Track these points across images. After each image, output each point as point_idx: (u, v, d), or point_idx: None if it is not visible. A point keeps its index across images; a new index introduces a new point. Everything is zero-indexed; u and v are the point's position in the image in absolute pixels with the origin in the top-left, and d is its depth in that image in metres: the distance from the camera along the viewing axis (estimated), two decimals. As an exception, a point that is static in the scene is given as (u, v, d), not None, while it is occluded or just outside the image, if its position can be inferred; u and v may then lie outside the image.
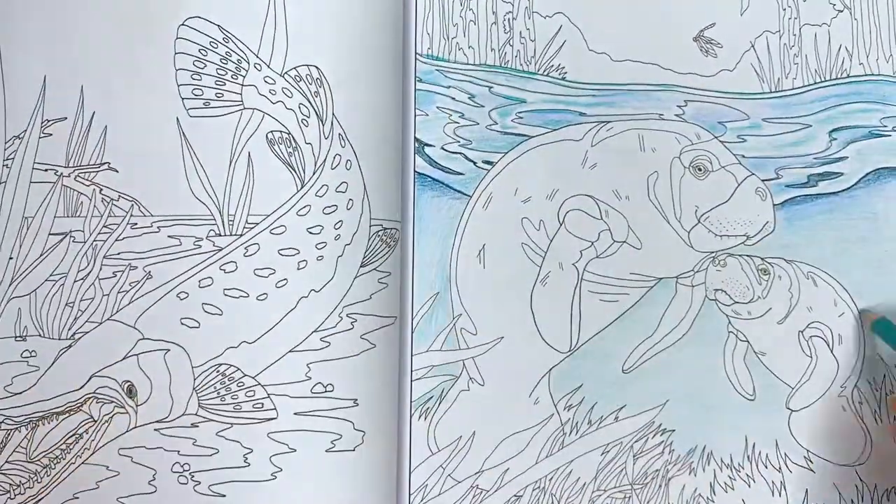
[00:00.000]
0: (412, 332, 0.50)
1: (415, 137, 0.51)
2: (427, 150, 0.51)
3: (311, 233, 0.48)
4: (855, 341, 0.51)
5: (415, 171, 0.51)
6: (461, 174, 0.51)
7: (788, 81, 0.53)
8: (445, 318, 0.50)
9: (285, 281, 0.48)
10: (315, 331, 0.48)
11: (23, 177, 0.49)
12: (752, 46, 0.53)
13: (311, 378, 0.48)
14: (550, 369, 0.50)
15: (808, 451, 0.51)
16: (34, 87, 0.49)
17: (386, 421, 0.49)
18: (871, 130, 0.53)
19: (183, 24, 0.49)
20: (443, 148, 0.51)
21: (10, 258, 0.48)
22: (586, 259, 0.51)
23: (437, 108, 0.51)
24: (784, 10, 0.53)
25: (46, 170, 0.49)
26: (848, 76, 0.53)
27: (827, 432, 0.51)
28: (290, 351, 0.48)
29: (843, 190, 0.52)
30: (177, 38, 0.49)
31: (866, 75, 0.53)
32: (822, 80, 0.53)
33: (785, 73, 0.53)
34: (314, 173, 0.49)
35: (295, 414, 0.48)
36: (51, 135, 0.49)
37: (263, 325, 0.48)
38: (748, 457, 0.51)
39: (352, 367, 0.48)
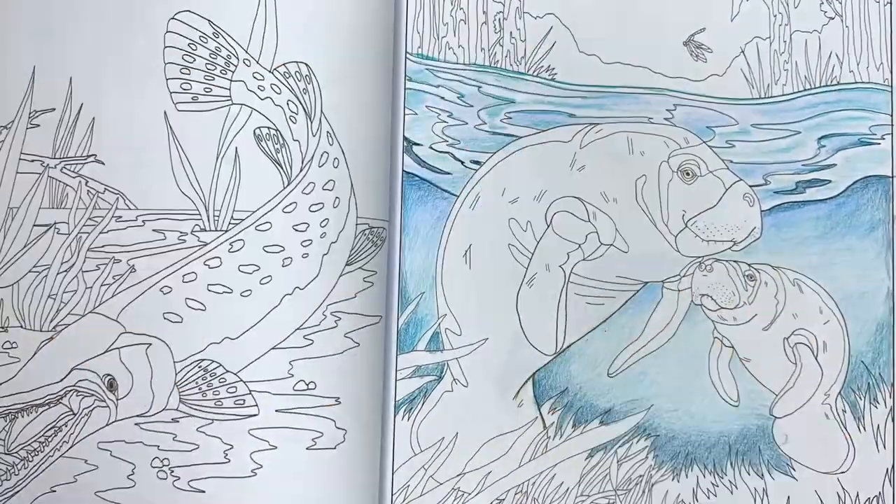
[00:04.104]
0: (397, 332, 0.50)
1: (403, 136, 0.50)
2: (415, 149, 0.51)
3: (296, 230, 0.48)
4: (840, 349, 0.51)
5: (403, 170, 0.50)
6: (449, 174, 0.51)
7: (778, 87, 0.53)
8: (430, 319, 0.50)
9: (270, 278, 0.48)
10: (298, 328, 0.48)
11: (9, 167, 0.49)
12: (742, 52, 0.53)
13: (293, 375, 0.48)
14: (535, 372, 0.50)
15: (790, 458, 0.51)
16: (23, 78, 0.49)
17: (368, 420, 0.49)
18: (860, 138, 0.53)
19: (173, 18, 0.49)
20: (431, 147, 0.51)
21: None
22: (573, 261, 0.51)
23: (427, 107, 0.51)
24: (775, 16, 0.53)
25: (33, 160, 0.49)
26: (838, 83, 0.53)
27: (810, 440, 0.51)
28: (272, 348, 0.48)
29: (832, 197, 0.52)
30: (166, 31, 0.49)
31: (856, 83, 0.53)
32: (812, 86, 0.53)
33: (775, 80, 0.53)
34: (301, 170, 0.49)
35: (276, 411, 0.48)
36: (38, 125, 0.49)
37: (247, 321, 0.48)
38: (731, 463, 0.51)
39: (334, 365, 0.48)
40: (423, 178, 0.51)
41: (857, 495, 0.51)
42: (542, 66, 0.52)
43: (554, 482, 0.50)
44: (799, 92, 0.53)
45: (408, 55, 0.51)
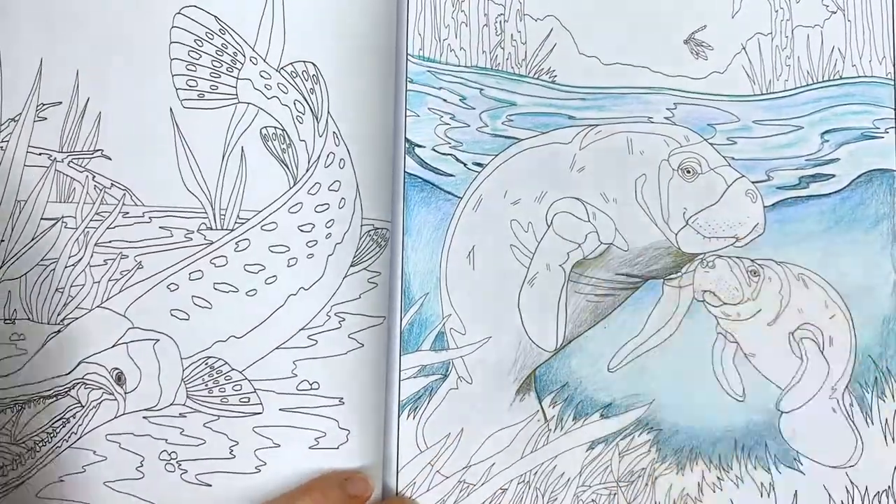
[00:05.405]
0: (401, 332, 0.50)
1: (405, 138, 0.51)
2: (418, 150, 0.51)
3: (302, 230, 0.49)
4: (846, 343, 0.51)
5: (405, 171, 0.51)
6: (452, 175, 0.51)
7: (780, 83, 0.53)
8: (435, 319, 0.51)
9: (275, 278, 0.49)
10: (303, 328, 0.48)
11: (17, 160, 0.49)
12: (744, 48, 0.53)
13: (297, 375, 0.48)
14: (536, 367, 0.51)
15: (798, 452, 0.51)
16: (30, 70, 0.49)
17: (371, 420, 0.49)
18: (863, 132, 0.52)
19: (179, 13, 0.49)
20: (434, 149, 0.51)
21: (2, 241, 0.48)
22: (573, 260, 0.51)
23: (429, 108, 0.52)
24: (776, 11, 0.53)
25: (40, 154, 0.49)
26: (841, 78, 0.53)
27: (817, 434, 0.51)
28: (277, 347, 0.48)
29: (835, 192, 0.52)
30: (172, 26, 0.49)
31: (859, 77, 0.53)
32: (815, 81, 0.53)
33: (777, 75, 0.53)
34: (307, 171, 0.49)
35: (280, 410, 0.48)
36: (46, 119, 0.49)
37: (252, 320, 0.48)
38: (737, 458, 0.51)
39: (338, 365, 0.49)
40: (426, 179, 0.51)
41: (866, 489, 0.51)
42: (543, 69, 0.52)
43: (555, 473, 0.51)
44: (801, 87, 0.53)
45: (409, 57, 0.52)
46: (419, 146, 0.51)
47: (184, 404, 0.48)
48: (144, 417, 0.48)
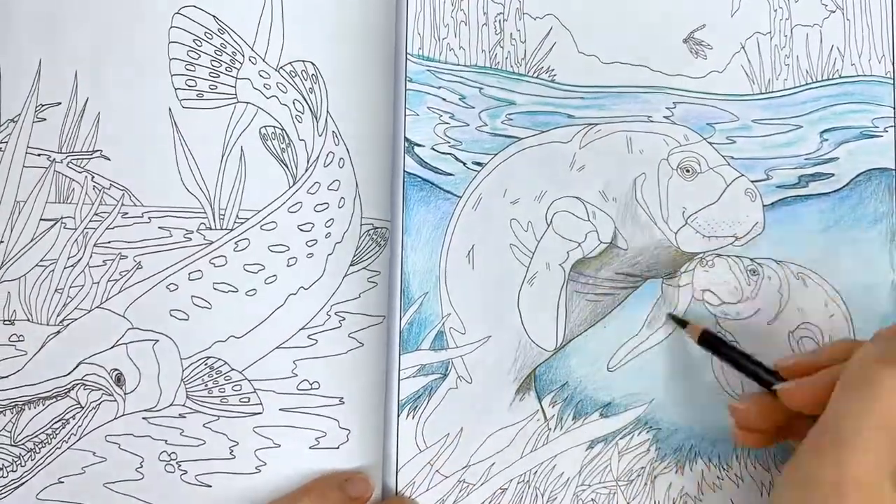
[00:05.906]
0: (400, 332, 0.50)
1: (405, 137, 0.51)
2: (417, 150, 0.51)
3: (301, 230, 0.49)
4: (845, 342, 0.51)
5: (404, 171, 0.51)
6: (451, 175, 0.51)
7: (779, 82, 0.53)
8: (434, 318, 0.51)
9: (274, 277, 0.48)
10: (303, 328, 0.48)
11: (16, 160, 0.49)
12: (743, 48, 0.53)
13: (297, 375, 0.48)
14: (536, 367, 0.51)
15: (797, 451, 0.51)
16: (29, 71, 0.49)
17: (372, 420, 0.49)
18: (862, 131, 0.53)
19: (178, 13, 0.49)
20: (433, 148, 0.51)
21: (1, 241, 0.48)
22: (573, 259, 0.51)
23: (428, 108, 0.52)
24: (775, 10, 0.53)
25: (39, 154, 0.49)
26: (840, 77, 0.53)
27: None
28: (277, 347, 0.48)
29: (835, 191, 0.52)
30: (171, 26, 0.49)
31: (858, 76, 0.53)
32: (814, 80, 0.53)
33: (776, 74, 0.53)
34: (307, 170, 0.49)
35: (280, 410, 0.48)
36: (45, 119, 0.49)
37: (252, 320, 0.48)
38: (737, 457, 0.51)
39: (338, 365, 0.49)
40: (426, 178, 0.51)
41: (865, 487, 0.51)
42: (542, 68, 0.52)
43: (555, 472, 0.51)
44: (800, 86, 0.53)
45: (409, 56, 0.52)
46: (418, 145, 0.51)
47: (183, 405, 0.48)
48: (144, 418, 0.48)
